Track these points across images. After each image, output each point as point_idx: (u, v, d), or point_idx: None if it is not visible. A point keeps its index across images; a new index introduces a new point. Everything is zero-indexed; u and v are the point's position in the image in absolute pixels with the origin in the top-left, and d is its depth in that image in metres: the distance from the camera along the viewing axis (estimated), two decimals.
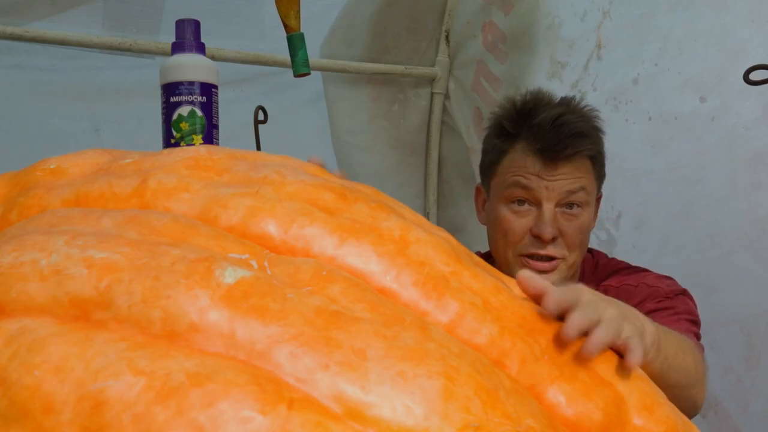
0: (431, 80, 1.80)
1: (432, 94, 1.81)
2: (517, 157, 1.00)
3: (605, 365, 0.52)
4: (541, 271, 0.98)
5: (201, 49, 0.87)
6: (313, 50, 1.18)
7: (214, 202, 0.50)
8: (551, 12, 1.55)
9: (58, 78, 1.43)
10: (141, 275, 0.44)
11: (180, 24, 0.86)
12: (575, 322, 0.51)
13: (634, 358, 0.52)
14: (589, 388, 0.49)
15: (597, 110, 1.04)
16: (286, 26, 1.13)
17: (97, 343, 0.41)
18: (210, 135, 0.85)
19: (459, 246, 0.56)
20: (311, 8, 1.38)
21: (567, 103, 1.02)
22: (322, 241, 0.48)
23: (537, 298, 0.54)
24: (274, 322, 0.42)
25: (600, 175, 1.04)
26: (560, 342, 0.51)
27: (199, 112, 0.84)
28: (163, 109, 0.85)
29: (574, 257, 1.00)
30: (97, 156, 0.59)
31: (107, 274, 0.44)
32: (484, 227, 1.08)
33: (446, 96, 1.80)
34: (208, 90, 0.85)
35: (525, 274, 0.55)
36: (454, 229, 1.74)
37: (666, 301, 0.96)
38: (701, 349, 0.88)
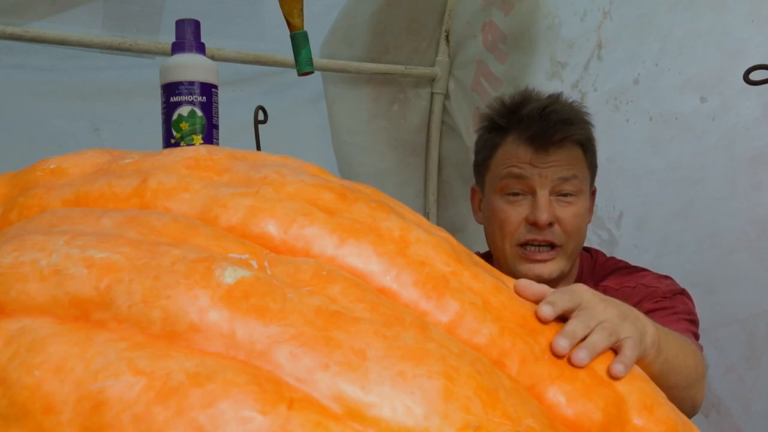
0: (431, 80, 1.80)
1: (432, 94, 1.81)
2: (509, 149, 1.02)
3: (605, 365, 0.52)
4: (539, 261, 0.99)
5: (201, 49, 0.87)
6: (314, 50, 1.18)
7: (214, 202, 0.50)
8: (551, 12, 1.55)
9: (58, 78, 1.43)
10: (141, 275, 0.44)
11: (180, 24, 0.86)
12: (567, 333, 0.51)
13: (616, 367, 0.51)
14: (589, 388, 0.49)
15: (584, 105, 1.06)
16: (289, 24, 1.13)
17: (97, 343, 0.41)
18: (210, 135, 0.85)
19: (459, 246, 0.56)
20: (312, 8, 1.38)
21: (555, 97, 1.04)
22: (322, 241, 0.48)
23: (537, 302, 0.54)
24: (274, 322, 0.42)
25: (592, 165, 1.05)
26: None
27: (199, 112, 0.84)
28: (163, 109, 0.85)
29: (573, 245, 1.01)
30: (97, 156, 0.59)
31: (107, 274, 0.44)
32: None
33: (446, 96, 1.80)
34: (208, 90, 0.85)
35: (523, 282, 0.55)
36: (454, 229, 1.74)
37: (664, 301, 0.96)
38: (700, 348, 0.88)
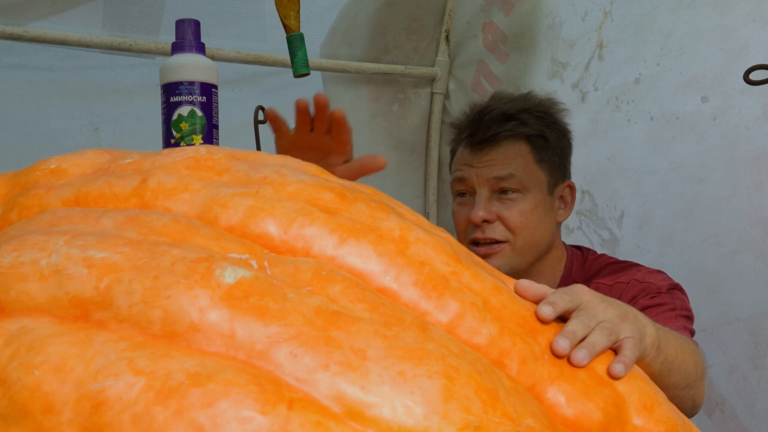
0: (431, 80, 1.79)
1: (432, 94, 1.81)
2: (458, 154, 1.06)
3: (605, 365, 0.52)
4: (483, 256, 1.00)
5: (201, 49, 0.86)
6: (313, 50, 1.18)
7: (214, 202, 0.50)
8: (552, 12, 1.55)
9: (58, 77, 1.43)
10: (141, 275, 0.44)
11: (180, 24, 0.86)
12: (567, 333, 0.51)
13: (615, 367, 0.51)
14: (589, 388, 0.49)
15: (560, 102, 1.06)
16: (285, 26, 1.13)
17: (97, 343, 0.41)
18: (210, 135, 0.85)
19: (459, 246, 0.56)
20: (311, 8, 1.38)
21: (523, 96, 1.05)
22: (322, 241, 0.48)
23: (538, 302, 0.54)
24: (274, 322, 0.42)
25: (548, 159, 1.04)
26: None
27: (199, 112, 0.84)
28: (163, 109, 0.85)
29: (522, 241, 1.01)
30: (96, 156, 0.58)
31: (107, 274, 0.44)
32: None
33: (446, 96, 1.80)
34: (208, 90, 0.85)
35: (523, 282, 0.55)
36: (454, 229, 1.74)
37: (660, 297, 0.96)
38: (697, 345, 0.88)
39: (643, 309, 0.84)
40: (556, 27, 1.54)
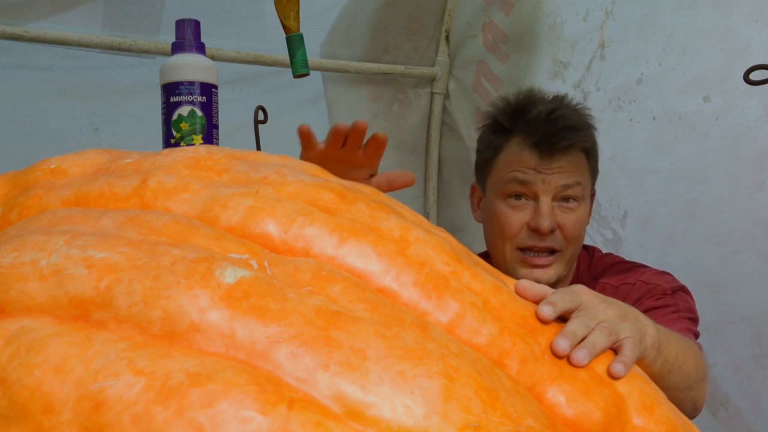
0: (431, 80, 1.79)
1: (432, 94, 1.81)
2: (513, 152, 1.01)
3: (605, 365, 0.52)
4: (539, 266, 0.99)
5: (201, 49, 0.86)
6: (313, 50, 1.18)
7: (214, 202, 0.50)
8: (553, 12, 1.55)
9: (58, 77, 1.43)
10: (141, 275, 0.44)
11: (180, 24, 0.86)
12: (567, 333, 0.51)
13: (615, 367, 0.51)
14: (589, 388, 0.49)
15: (588, 108, 1.05)
16: (285, 27, 1.13)
17: (97, 343, 0.41)
18: (210, 135, 0.85)
19: (459, 246, 0.55)
20: (311, 8, 1.38)
21: (560, 99, 1.04)
22: (322, 241, 0.48)
23: (538, 303, 0.54)
24: (274, 322, 0.42)
25: (594, 171, 1.05)
26: None
27: (199, 112, 0.84)
28: (163, 109, 0.85)
29: (572, 251, 1.01)
30: (96, 156, 0.58)
31: (107, 274, 0.44)
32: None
33: (446, 96, 1.80)
34: (208, 90, 0.85)
35: (523, 283, 0.55)
36: (454, 229, 1.74)
37: (665, 298, 0.96)
38: (700, 348, 0.88)
39: (648, 310, 0.84)
40: (557, 27, 1.54)
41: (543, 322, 0.51)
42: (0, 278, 0.45)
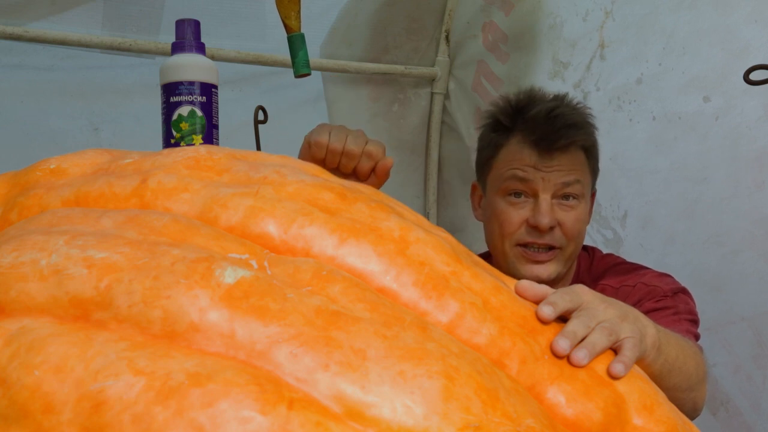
0: (431, 80, 1.79)
1: (432, 94, 1.81)
2: (513, 150, 1.02)
3: (605, 365, 0.52)
4: (539, 262, 0.99)
5: (201, 49, 0.86)
6: (313, 50, 1.18)
7: (214, 202, 0.50)
8: (553, 12, 1.55)
9: (58, 77, 1.43)
10: (141, 275, 0.44)
11: (180, 24, 0.86)
12: (567, 333, 0.51)
13: (615, 367, 0.51)
14: (589, 388, 0.49)
15: (589, 107, 1.06)
16: (286, 27, 1.13)
17: (97, 343, 0.41)
18: (210, 135, 0.85)
19: (459, 246, 0.55)
20: (311, 8, 1.38)
21: (560, 98, 1.04)
22: (322, 241, 0.48)
23: (538, 303, 0.54)
24: (274, 322, 0.42)
25: (594, 170, 1.05)
26: None
27: (199, 112, 0.84)
28: (163, 109, 0.85)
29: (572, 248, 1.01)
30: (96, 156, 0.58)
31: (107, 274, 0.44)
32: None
33: (446, 96, 1.80)
34: (208, 90, 0.85)
35: (523, 283, 0.55)
36: (454, 229, 1.74)
37: (665, 300, 0.96)
38: (701, 349, 0.88)
39: (648, 312, 0.84)
40: (557, 27, 1.54)
41: (543, 322, 0.51)
42: (0, 278, 0.45)
